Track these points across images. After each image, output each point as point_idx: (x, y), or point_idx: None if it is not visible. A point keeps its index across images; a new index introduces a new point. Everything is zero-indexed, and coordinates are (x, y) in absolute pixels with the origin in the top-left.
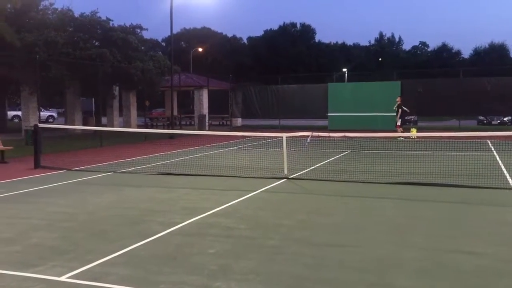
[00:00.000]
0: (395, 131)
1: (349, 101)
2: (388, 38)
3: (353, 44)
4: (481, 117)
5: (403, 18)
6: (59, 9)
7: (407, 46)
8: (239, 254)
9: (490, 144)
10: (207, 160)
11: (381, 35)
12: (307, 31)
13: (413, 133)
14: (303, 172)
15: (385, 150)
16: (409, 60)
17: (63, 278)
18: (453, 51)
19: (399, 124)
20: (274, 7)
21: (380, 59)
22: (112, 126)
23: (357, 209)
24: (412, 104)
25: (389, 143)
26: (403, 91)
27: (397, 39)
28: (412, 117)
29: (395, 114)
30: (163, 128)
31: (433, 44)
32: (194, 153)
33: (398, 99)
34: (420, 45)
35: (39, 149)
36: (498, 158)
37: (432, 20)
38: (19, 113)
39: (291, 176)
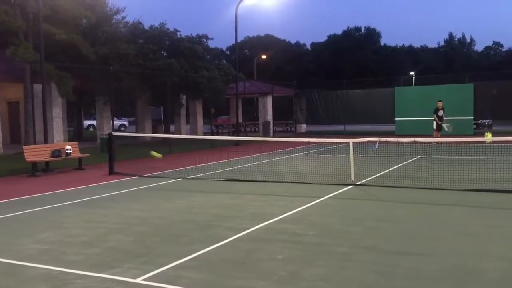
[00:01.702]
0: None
1: (418, 105)
2: (459, 39)
3: (421, 46)
4: None
5: (475, 18)
6: (130, 22)
7: (479, 46)
8: (308, 260)
9: None
10: (273, 166)
11: (450, 36)
12: (372, 35)
13: (488, 137)
14: (370, 178)
15: (457, 156)
16: (482, 62)
17: (138, 280)
18: None
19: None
20: (337, 12)
21: (450, 61)
22: (180, 134)
23: (428, 216)
24: (486, 107)
25: (461, 148)
26: (476, 94)
27: (468, 40)
28: (487, 120)
29: (434, 119)
30: (228, 135)
31: (508, 43)
32: (260, 159)
33: (440, 103)
34: (493, 45)
35: (113, 156)
36: None
37: (506, 18)
38: (94, 122)
39: (359, 183)
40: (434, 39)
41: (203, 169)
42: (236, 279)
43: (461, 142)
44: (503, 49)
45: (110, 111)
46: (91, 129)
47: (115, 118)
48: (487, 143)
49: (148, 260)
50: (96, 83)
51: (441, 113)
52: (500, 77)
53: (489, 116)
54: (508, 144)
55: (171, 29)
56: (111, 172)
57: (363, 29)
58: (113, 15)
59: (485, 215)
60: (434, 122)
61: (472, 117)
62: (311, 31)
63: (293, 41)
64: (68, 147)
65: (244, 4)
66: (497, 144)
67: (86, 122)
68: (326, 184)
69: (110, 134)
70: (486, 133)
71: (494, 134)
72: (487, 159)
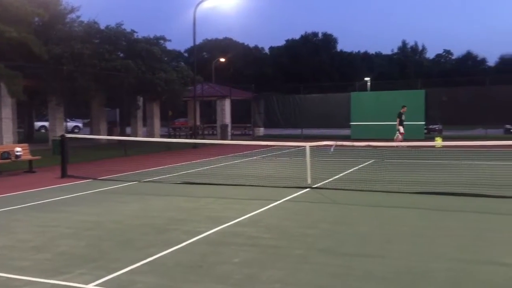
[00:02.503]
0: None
1: (372, 110)
2: (411, 47)
3: (375, 53)
4: (508, 126)
5: (427, 26)
6: (85, 22)
7: (430, 54)
8: (265, 263)
9: None
10: (230, 169)
11: (404, 43)
12: (328, 40)
13: (438, 142)
14: (326, 181)
15: (409, 160)
16: (433, 69)
17: (90, 286)
18: (478, 59)
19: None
20: (295, 17)
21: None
22: (136, 136)
23: (382, 219)
24: (436, 113)
25: (413, 152)
26: (428, 100)
27: (420, 47)
28: (437, 126)
29: (397, 122)
30: (186, 138)
31: (458, 52)
32: (217, 162)
33: (405, 108)
34: (444, 53)
35: (66, 158)
36: None
37: (456, 28)
38: (46, 123)
39: (315, 186)
40: (388, 46)
41: (160, 172)
42: (192, 283)
43: (413, 146)
44: (453, 57)
45: (63, 112)
46: (43, 131)
47: (68, 120)
48: (437, 147)
49: (101, 265)
50: (49, 83)
51: (403, 117)
52: (450, 84)
53: (439, 122)
54: (457, 149)
55: (128, 29)
56: (64, 175)
57: (320, 35)
58: (67, 13)
59: (434, 217)
60: (401, 127)
61: (424, 122)
62: (269, 35)
63: (251, 45)
64: (18, 149)
65: (203, 6)
66: (447, 149)
67: (38, 124)
68: (283, 187)
69: (62, 136)
70: (436, 138)
71: (444, 139)
72: (437, 163)
